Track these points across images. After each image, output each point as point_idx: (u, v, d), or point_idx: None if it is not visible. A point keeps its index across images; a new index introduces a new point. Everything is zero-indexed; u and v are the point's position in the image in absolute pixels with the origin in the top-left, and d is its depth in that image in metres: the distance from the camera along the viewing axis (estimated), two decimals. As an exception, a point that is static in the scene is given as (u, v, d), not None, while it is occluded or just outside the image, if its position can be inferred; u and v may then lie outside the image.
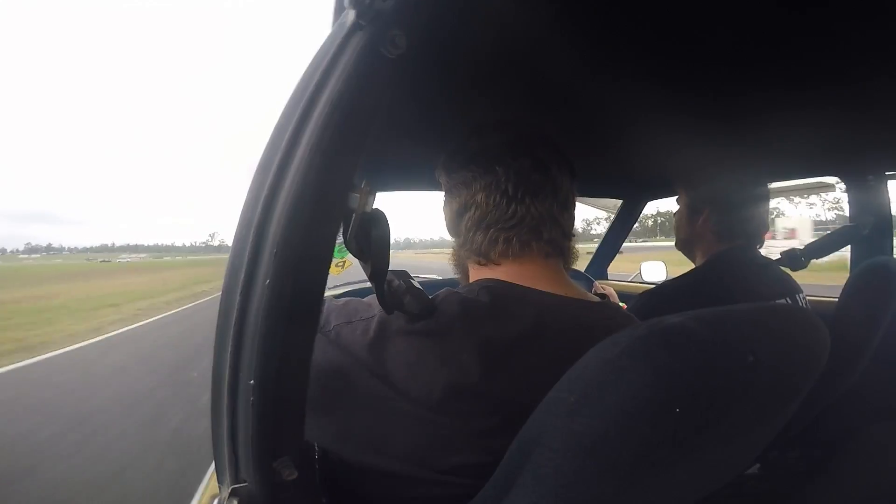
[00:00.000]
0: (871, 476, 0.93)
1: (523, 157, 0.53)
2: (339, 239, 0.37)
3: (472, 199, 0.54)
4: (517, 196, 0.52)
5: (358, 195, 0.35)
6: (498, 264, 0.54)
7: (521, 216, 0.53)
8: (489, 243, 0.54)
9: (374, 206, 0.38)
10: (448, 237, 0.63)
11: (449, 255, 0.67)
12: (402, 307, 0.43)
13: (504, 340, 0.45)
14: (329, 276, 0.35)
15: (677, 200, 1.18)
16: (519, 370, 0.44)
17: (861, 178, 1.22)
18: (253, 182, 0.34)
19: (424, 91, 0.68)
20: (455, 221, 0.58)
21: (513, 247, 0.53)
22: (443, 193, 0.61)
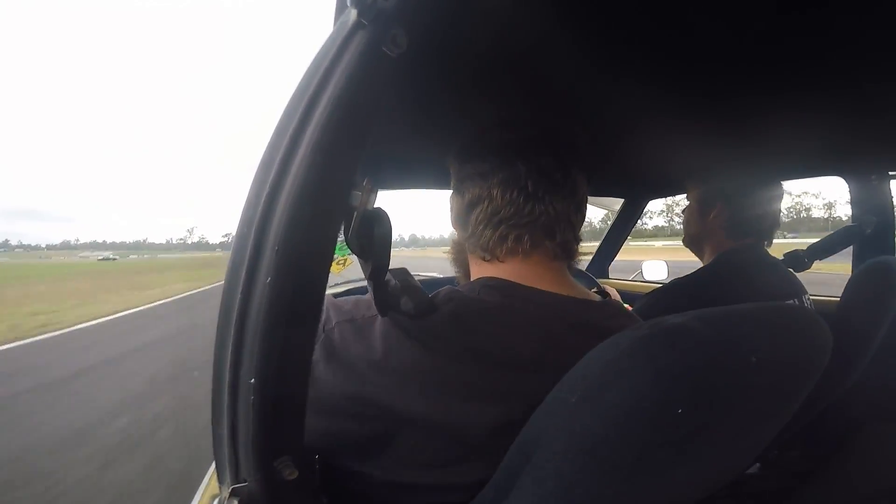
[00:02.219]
0: (872, 475, 0.93)
1: (547, 156, 0.52)
2: (340, 237, 0.36)
3: (486, 191, 0.52)
4: (537, 194, 0.51)
5: (360, 193, 0.35)
6: (503, 262, 0.53)
7: (538, 215, 0.51)
8: (498, 240, 0.52)
9: (375, 205, 0.38)
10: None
11: (449, 251, 0.66)
12: (397, 308, 0.42)
13: (506, 342, 0.44)
14: (329, 275, 0.35)
15: (687, 196, 1.17)
16: (521, 372, 0.44)
17: (864, 178, 1.22)
18: (254, 180, 0.33)
19: (426, 89, 0.68)
20: (464, 214, 0.56)
21: (523, 245, 0.51)
22: (447, 190, 0.60)
